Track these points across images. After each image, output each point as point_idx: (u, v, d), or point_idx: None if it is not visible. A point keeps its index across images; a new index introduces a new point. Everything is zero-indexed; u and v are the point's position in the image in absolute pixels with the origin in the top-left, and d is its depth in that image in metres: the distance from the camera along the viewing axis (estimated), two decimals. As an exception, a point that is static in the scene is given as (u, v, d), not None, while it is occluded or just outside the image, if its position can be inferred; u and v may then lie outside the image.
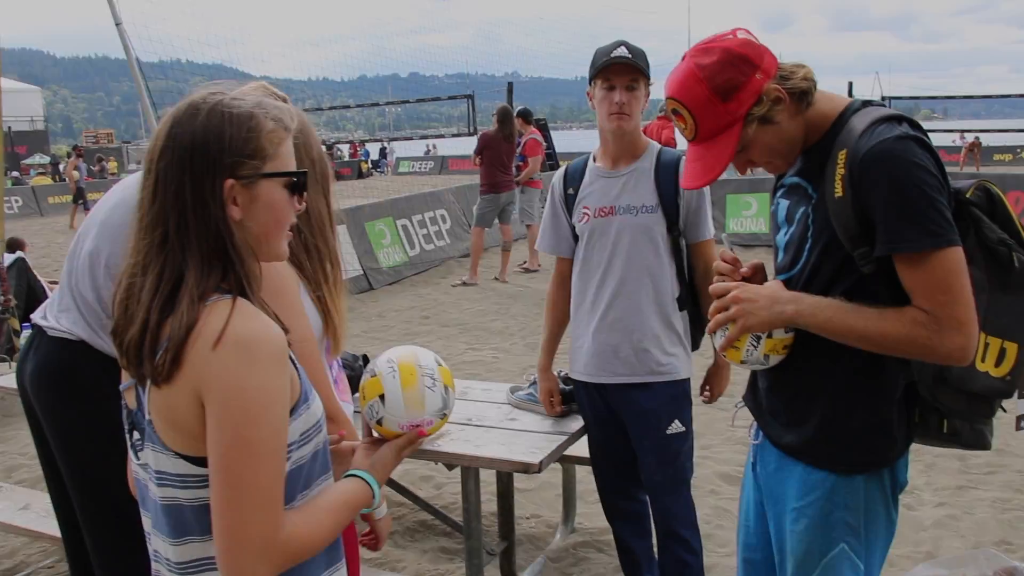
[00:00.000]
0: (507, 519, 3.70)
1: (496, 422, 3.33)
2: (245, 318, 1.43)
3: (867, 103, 1.91)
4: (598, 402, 3.15)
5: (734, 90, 1.83)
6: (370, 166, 39.93)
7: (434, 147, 41.85)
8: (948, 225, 1.72)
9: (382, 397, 1.72)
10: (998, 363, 1.84)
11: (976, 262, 1.81)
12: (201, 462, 1.43)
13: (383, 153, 42.58)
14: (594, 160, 3.13)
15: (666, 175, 2.97)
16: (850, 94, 24.39)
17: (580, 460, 3.70)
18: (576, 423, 3.25)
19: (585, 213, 3.06)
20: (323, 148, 2.12)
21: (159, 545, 1.55)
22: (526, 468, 2.92)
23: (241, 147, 1.46)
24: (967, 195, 1.84)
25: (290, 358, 1.54)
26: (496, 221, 11.04)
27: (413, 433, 1.73)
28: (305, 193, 1.59)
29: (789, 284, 1.98)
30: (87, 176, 23.88)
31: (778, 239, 2.08)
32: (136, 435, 1.57)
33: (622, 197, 3.00)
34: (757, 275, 2.06)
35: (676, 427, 3.04)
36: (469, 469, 3.17)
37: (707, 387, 3.24)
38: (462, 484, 3.22)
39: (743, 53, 1.84)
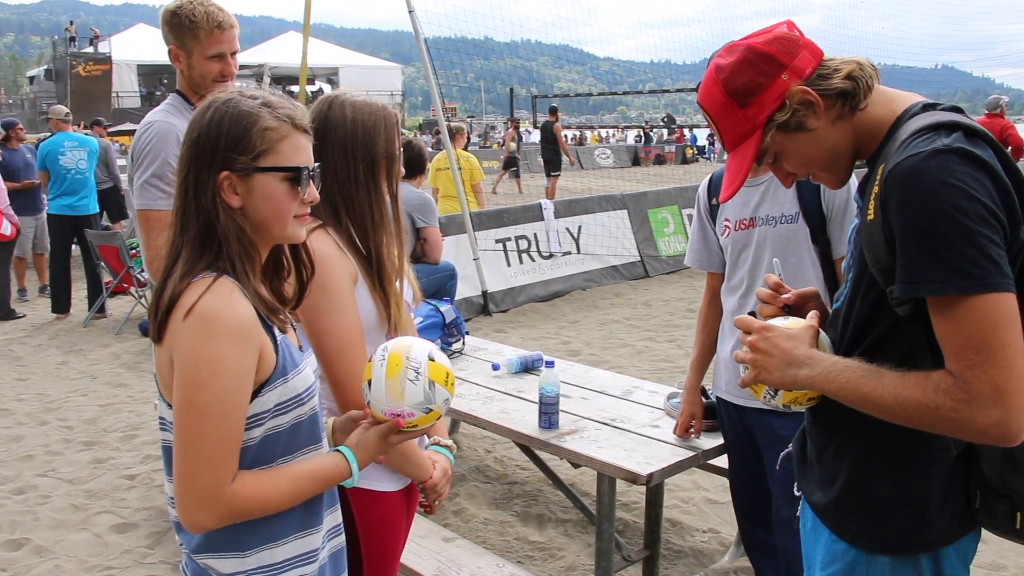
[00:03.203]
0: (652, 528, 3.58)
1: (637, 426, 3.23)
2: (214, 295, 1.56)
3: (929, 106, 1.57)
4: (737, 423, 2.95)
5: (753, 94, 1.60)
6: (695, 152, 39.46)
7: (765, 136, 40.41)
8: (990, 265, 1.36)
9: (370, 382, 1.76)
10: None
11: None
12: None
13: (711, 140, 41.89)
14: None
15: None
16: None
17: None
18: (715, 440, 3.07)
19: (726, 226, 2.87)
20: (389, 146, 2.12)
21: (165, 483, 1.75)
22: (634, 478, 2.81)
23: (234, 143, 1.61)
24: None
25: (273, 336, 1.63)
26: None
27: (392, 422, 1.75)
28: (311, 185, 1.69)
29: (834, 318, 1.73)
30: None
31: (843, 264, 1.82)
32: None
33: (762, 207, 2.77)
34: (808, 303, 1.82)
35: None
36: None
37: None
38: (597, 484, 3.16)
39: (767, 52, 1.60)
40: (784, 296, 1.83)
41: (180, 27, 2.96)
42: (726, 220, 2.86)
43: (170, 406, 1.63)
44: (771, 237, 2.74)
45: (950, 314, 1.40)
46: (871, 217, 1.52)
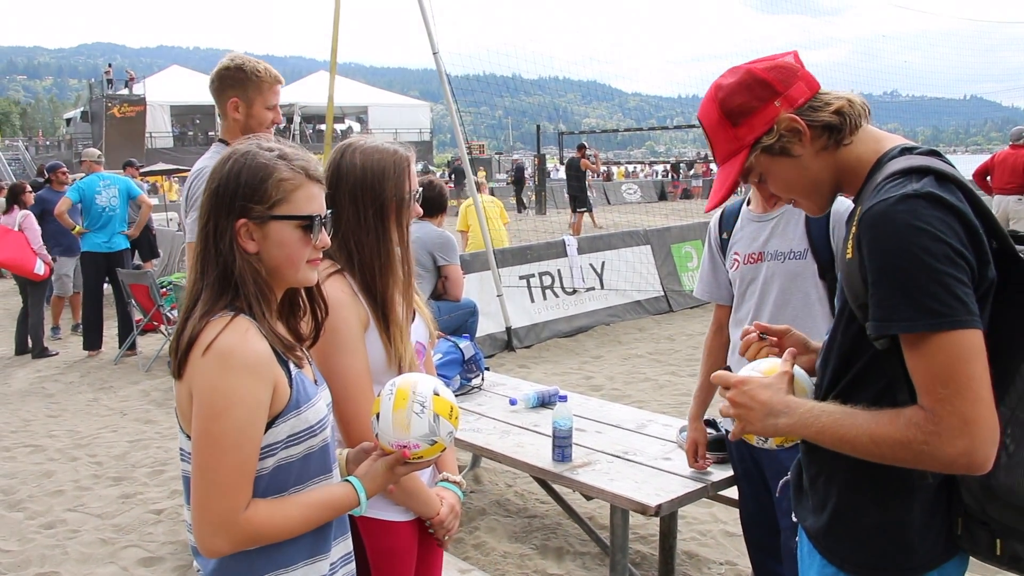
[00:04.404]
0: (667, 559, 3.62)
1: (649, 459, 3.28)
2: (231, 332, 1.66)
3: (907, 150, 1.65)
4: (745, 455, 3.00)
5: (745, 115, 1.70)
6: (722, 186, 39.48)
7: (791, 168, 40.37)
8: (957, 303, 1.43)
9: (378, 415, 1.85)
10: None
11: None
12: None
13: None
14: (747, 203, 2.98)
15: (818, 217, 2.75)
16: None
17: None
18: (725, 472, 3.12)
19: (735, 259, 2.94)
20: (399, 190, 2.19)
21: (184, 511, 1.82)
22: (643, 509, 2.86)
23: (251, 192, 1.71)
24: None
25: (288, 371, 1.72)
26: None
27: (399, 453, 1.83)
28: (324, 231, 1.79)
29: (824, 351, 1.80)
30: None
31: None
32: None
33: (771, 242, 2.84)
34: (788, 338, 1.93)
35: None
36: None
37: None
38: (610, 516, 3.21)
39: (764, 78, 1.69)
40: (772, 339, 1.95)
41: (246, 81, 3.24)
42: (735, 254, 2.93)
43: (189, 437, 1.71)
44: (779, 272, 2.80)
45: (920, 350, 1.47)
46: (849, 256, 1.59)
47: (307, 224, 1.75)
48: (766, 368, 1.78)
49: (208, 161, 3.25)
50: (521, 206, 29.51)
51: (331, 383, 2.07)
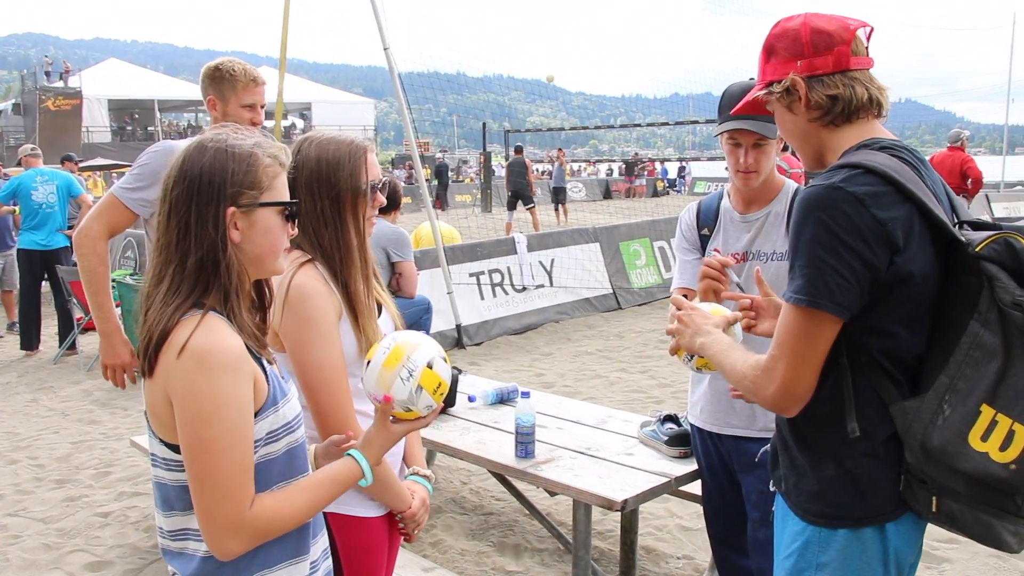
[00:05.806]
0: (628, 555, 3.63)
1: (611, 454, 3.29)
2: (205, 331, 1.60)
3: (864, 145, 1.78)
4: (711, 450, 3.01)
5: (775, 56, 1.87)
6: (666, 185, 39.90)
7: (733, 168, 40.90)
8: (823, 287, 1.64)
9: (369, 363, 1.86)
10: (1004, 447, 1.59)
11: (990, 326, 1.61)
12: (176, 449, 1.64)
13: (681, 172, 42.37)
14: (728, 197, 2.98)
15: None
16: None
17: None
18: (688, 467, 3.13)
19: (716, 257, 2.92)
20: (354, 179, 2.16)
21: (156, 515, 1.78)
22: (609, 504, 2.86)
23: (242, 179, 1.67)
24: (977, 248, 1.63)
25: (263, 368, 1.68)
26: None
27: (382, 403, 1.84)
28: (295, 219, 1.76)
29: None
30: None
31: None
32: None
33: (755, 242, 2.84)
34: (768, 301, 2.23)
35: None
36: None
37: None
38: (573, 511, 3.21)
39: (804, 38, 1.81)
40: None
41: (221, 80, 3.37)
42: (715, 251, 2.91)
43: (162, 441, 1.66)
44: (763, 272, 2.78)
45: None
46: None
47: (288, 211, 1.73)
48: (715, 310, 2.18)
49: (174, 142, 3.25)
50: (438, 204, 29.63)
51: (307, 374, 2.03)
